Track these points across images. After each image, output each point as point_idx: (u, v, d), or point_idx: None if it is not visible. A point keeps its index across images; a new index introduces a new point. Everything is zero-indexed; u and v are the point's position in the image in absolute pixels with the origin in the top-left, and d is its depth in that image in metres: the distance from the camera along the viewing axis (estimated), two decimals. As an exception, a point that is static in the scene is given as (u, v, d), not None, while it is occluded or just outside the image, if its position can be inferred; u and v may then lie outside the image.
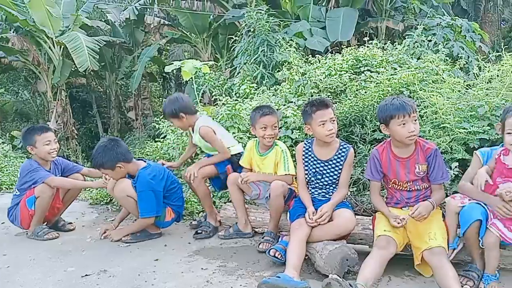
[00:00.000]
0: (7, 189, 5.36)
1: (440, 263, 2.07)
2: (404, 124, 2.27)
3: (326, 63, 5.32)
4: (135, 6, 11.33)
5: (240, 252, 2.75)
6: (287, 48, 6.31)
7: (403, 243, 2.29)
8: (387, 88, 4.11)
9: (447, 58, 5.41)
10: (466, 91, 3.82)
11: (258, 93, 5.44)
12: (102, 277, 2.47)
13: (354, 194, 3.55)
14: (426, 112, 3.62)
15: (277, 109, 4.42)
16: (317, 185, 2.68)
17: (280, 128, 4.08)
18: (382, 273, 2.15)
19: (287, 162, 2.85)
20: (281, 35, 7.51)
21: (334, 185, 2.66)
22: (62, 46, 10.19)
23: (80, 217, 3.89)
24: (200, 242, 2.99)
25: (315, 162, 2.66)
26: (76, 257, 2.82)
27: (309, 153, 2.70)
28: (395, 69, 4.64)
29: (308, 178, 2.71)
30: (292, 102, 4.65)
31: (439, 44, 5.71)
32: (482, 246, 2.11)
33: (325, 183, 2.66)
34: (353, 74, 4.90)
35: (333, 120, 2.57)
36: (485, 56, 6.55)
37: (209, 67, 7.21)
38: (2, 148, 7.78)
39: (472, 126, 3.18)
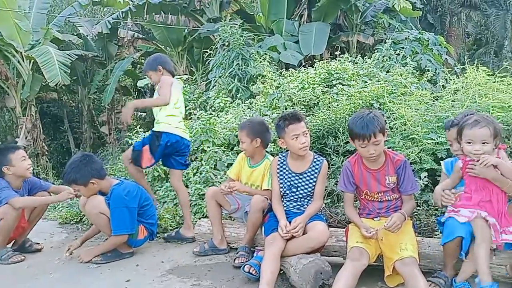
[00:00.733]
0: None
1: (412, 273, 2.10)
2: (364, 146, 2.33)
3: (300, 76, 5.42)
4: (108, 21, 11.21)
5: (214, 269, 2.70)
6: (261, 61, 6.39)
7: (375, 254, 2.32)
8: (358, 100, 4.22)
9: (415, 70, 5.62)
10: (433, 103, 3.96)
11: (233, 107, 5.46)
12: (71, 301, 2.37)
13: (329, 206, 3.58)
14: (396, 124, 3.72)
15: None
16: (292, 198, 2.69)
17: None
18: (355, 285, 2.16)
19: (271, 178, 2.84)
20: (256, 49, 7.61)
21: (309, 198, 2.68)
22: (32, 61, 9.91)
23: (49, 237, 3.74)
24: (173, 261, 2.92)
25: (290, 175, 2.68)
26: (43, 281, 2.70)
27: (284, 166, 2.72)
28: (366, 82, 4.77)
29: (283, 192, 2.72)
30: (266, 115, 4.69)
31: (407, 57, 5.93)
32: (463, 259, 2.16)
33: (300, 195, 2.67)
34: (326, 87, 5.00)
35: (306, 134, 2.59)
36: (450, 69, 6.83)
37: (184, 81, 7.20)
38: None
39: (439, 136, 3.29)
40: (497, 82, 3.95)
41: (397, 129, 3.69)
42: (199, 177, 4.06)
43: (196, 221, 3.38)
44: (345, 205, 2.58)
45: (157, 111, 3.36)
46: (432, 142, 3.29)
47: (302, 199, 2.68)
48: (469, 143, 2.08)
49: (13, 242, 3.27)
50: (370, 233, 2.28)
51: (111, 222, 2.90)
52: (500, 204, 2.10)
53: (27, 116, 10.45)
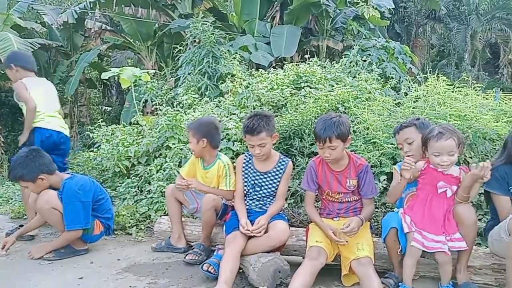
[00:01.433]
0: None
1: (367, 273, 2.16)
2: (321, 148, 2.38)
3: (269, 77, 5.44)
4: (75, 10, 10.79)
5: (173, 268, 2.65)
6: (231, 60, 6.36)
7: (333, 254, 2.36)
8: (325, 104, 4.29)
9: (380, 77, 5.79)
10: (395, 109, 4.09)
11: (201, 104, 5.40)
12: (17, 300, 2.25)
13: (292, 206, 3.61)
14: (359, 127, 3.82)
15: (219, 121, 4.43)
16: (255, 197, 2.70)
17: (222, 139, 4.08)
18: (312, 283, 2.19)
19: (229, 178, 2.82)
20: (227, 48, 7.58)
21: (271, 197, 2.70)
22: (-11, 47, 9.37)
23: (-2, 232, 3.53)
24: (130, 259, 2.84)
25: (254, 174, 2.69)
26: (-13, 279, 2.54)
27: (249, 165, 2.72)
28: (332, 86, 4.86)
29: (246, 190, 2.72)
30: (234, 114, 4.67)
31: (373, 64, 6.10)
32: (400, 253, 2.25)
33: (263, 195, 2.68)
34: (294, 89, 5.05)
35: (263, 145, 2.55)
36: (414, 77, 7.12)
37: (152, 76, 7.04)
38: None
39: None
40: (456, 92, 4.15)
41: (360, 132, 3.79)
42: (162, 174, 3.98)
43: (157, 219, 3.31)
44: (306, 204, 2.62)
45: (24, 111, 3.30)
46: (392, 147, 3.40)
47: (265, 198, 2.69)
48: (437, 155, 2.14)
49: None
50: (335, 234, 2.31)
51: (64, 217, 2.79)
52: (444, 209, 2.19)
53: (-18, 105, 9.86)
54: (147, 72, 5.03)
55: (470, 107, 3.78)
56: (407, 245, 2.19)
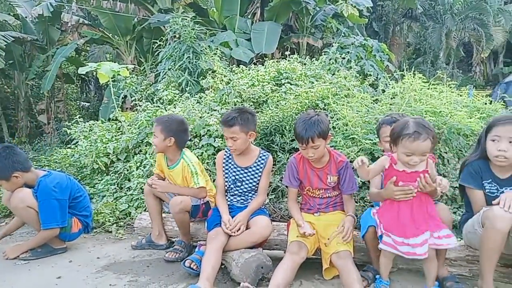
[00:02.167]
0: None
1: (346, 266, 2.21)
2: (303, 149, 2.41)
3: (250, 73, 5.44)
4: (50, 3, 10.44)
5: (153, 265, 2.64)
6: (212, 56, 6.33)
7: (314, 248, 2.40)
8: (305, 100, 4.34)
9: (359, 74, 5.89)
10: (373, 106, 4.17)
11: (181, 100, 5.35)
12: (-8, 301, 2.20)
13: (273, 201, 3.65)
14: (338, 124, 3.88)
15: (200, 117, 4.41)
16: (236, 192, 2.71)
17: (203, 136, 4.07)
18: (293, 278, 2.23)
19: (196, 176, 2.72)
20: (207, 44, 7.52)
21: (253, 192, 2.71)
22: (-41, 39, 8.98)
23: (-29, 233, 3.41)
24: (110, 257, 2.81)
25: (235, 170, 2.69)
26: (-40, 280, 2.46)
27: (230, 160, 2.72)
28: (313, 83, 4.92)
29: (227, 186, 2.72)
30: (215, 110, 4.66)
31: (352, 61, 6.20)
32: (379, 248, 2.27)
33: (244, 190, 2.69)
34: (275, 86, 5.08)
35: (235, 139, 2.56)
36: (391, 75, 7.26)
37: (131, 71, 6.93)
38: None
39: (377, 137, 3.47)
40: (431, 89, 4.27)
41: (339, 129, 3.85)
42: (142, 170, 3.94)
43: (137, 215, 3.28)
44: (288, 200, 2.64)
45: None
46: (370, 142, 3.47)
47: (246, 194, 2.70)
48: (409, 155, 2.01)
49: None
50: (304, 233, 2.33)
51: (39, 215, 2.72)
52: (424, 207, 2.10)
53: (-48, 100, 9.45)
54: (126, 67, 4.93)
55: (445, 103, 3.90)
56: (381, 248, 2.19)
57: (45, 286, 2.36)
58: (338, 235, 2.32)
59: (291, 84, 4.96)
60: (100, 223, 3.41)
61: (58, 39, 12.22)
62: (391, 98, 4.25)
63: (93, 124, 5.05)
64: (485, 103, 4.34)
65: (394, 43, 17.00)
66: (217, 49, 6.92)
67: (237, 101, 4.78)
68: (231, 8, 9.37)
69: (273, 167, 3.93)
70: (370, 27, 15.92)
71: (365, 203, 3.27)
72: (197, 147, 3.99)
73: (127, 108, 7.85)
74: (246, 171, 2.68)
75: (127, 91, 6.61)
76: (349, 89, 4.66)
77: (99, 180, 4.21)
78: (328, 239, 2.34)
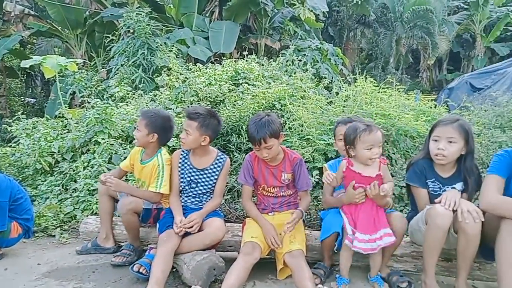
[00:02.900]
0: None
1: (298, 265, 2.22)
2: (257, 150, 2.42)
3: (207, 72, 5.38)
4: (-10, -11, 9.69)
5: (100, 271, 2.50)
6: (167, 53, 6.18)
7: (268, 248, 2.39)
8: (262, 100, 4.35)
9: (314, 77, 6.03)
10: (327, 108, 4.27)
11: (134, 97, 5.16)
12: None
13: (229, 201, 3.62)
14: (294, 124, 3.93)
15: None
16: (190, 193, 2.63)
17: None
18: (246, 278, 2.21)
19: (162, 180, 2.59)
20: (163, 40, 7.34)
21: (208, 194, 2.65)
22: None
23: None
24: (52, 263, 2.63)
25: (191, 171, 2.61)
26: None
27: (186, 161, 2.64)
28: (270, 83, 4.96)
29: (182, 187, 2.64)
30: (171, 109, 4.54)
31: (308, 64, 6.33)
32: (336, 251, 2.35)
33: (199, 191, 2.62)
34: (232, 85, 5.05)
35: (188, 133, 2.48)
36: (344, 78, 7.51)
37: (81, 66, 6.58)
38: None
39: (330, 138, 3.56)
40: (381, 92, 4.45)
41: (295, 129, 3.90)
42: (90, 171, 3.73)
43: (83, 219, 3.09)
44: (243, 199, 2.62)
45: None
46: (324, 143, 3.55)
47: (201, 195, 2.63)
48: (370, 148, 2.16)
49: None
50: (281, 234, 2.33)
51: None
52: (370, 207, 2.23)
53: None
54: (75, 62, 4.66)
55: (393, 106, 4.09)
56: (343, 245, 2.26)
57: (-24, 297, 2.16)
58: (285, 227, 2.33)
59: (248, 84, 4.96)
60: (43, 227, 3.18)
61: (0, 30, 11.36)
62: (344, 101, 4.39)
63: (36, 121, 4.72)
64: (430, 107, 4.60)
65: (348, 48, 17.60)
66: (173, 46, 6.77)
67: (193, 100, 4.69)
68: (189, 5, 9.22)
69: (230, 168, 3.93)
70: (326, 31, 16.37)
71: (319, 202, 3.32)
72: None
73: (75, 105, 7.45)
74: (202, 173, 2.61)
75: (76, 87, 6.28)
76: (305, 90, 4.74)
77: (42, 181, 3.94)
78: (280, 234, 2.35)
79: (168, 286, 2.23)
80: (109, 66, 7.54)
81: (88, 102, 4.44)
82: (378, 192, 2.15)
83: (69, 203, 3.48)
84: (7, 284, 2.31)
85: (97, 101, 4.35)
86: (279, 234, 2.36)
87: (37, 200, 3.62)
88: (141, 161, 2.73)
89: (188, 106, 4.33)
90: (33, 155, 3.96)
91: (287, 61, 6.04)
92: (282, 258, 2.31)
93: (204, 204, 2.61)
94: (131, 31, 6.99)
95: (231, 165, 3.87)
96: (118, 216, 3.02)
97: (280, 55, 6.65)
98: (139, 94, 5.14)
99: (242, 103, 4.37)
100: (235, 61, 5.74)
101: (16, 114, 4.86)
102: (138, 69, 6.51)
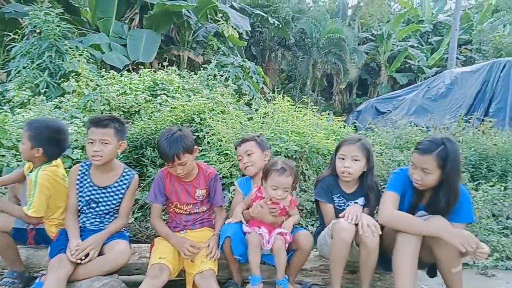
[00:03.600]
0: None
1: (209, 285, 2.12)
2: (171, 167, 2.32)
3: (122, 80, 5.09)
4: None
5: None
6: (77, 57, 5.71)
7: (178, 269, 2.26)
8: (181, 113, 4.24)
9: (236, 93, 6.09)
10: (247, 123, 4.31)
11: (36, 104, 4.64)
12: None
13: (139, 219, 3.39)
14: (213, 139, 3.88)
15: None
16: (89, 214, 2.36)
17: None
18: (152, 303, 2.04)
19: (31, 199, 2.21)
20: (75, 44, 6.80)
21: (111, 214, 2.40)
22: None
23: None
24: None
25: (90, 189, 2.35)
26: None
27: (85, 177, 2.36)
28: (190, 96, 4.86)
29: (80, 206, 2.36)
30: (77, 117, 4.17)
31: (229, 79, 6.38)
32: (240, 261, 2.33)
33: (101, 212, 2.36)
34: (150, 96, 4.85)
35: (106, 143, 2.26)
36: (264, 96, 7.73)
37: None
38: None
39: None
40: (297, 111, 4.64)
41: (213, 144, 3.85)
42: (-27, 185, 3.20)
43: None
44: (152, 217, 2.45)
45: None
46: (241, 159, 3.54)
47: (103, 216, 2.38)
48: (274, 189, 2.27)
49: None
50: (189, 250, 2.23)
51: None
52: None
53: None
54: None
55: (308, 125, 4.28)
56: (247, 236, 2.27)
57: None
58: (203, 253, 2.25)
59: (167, 96, 4.82)
60: None
61: None
62: (263, 117, 4.48)
63: None
64: (340, 127, 4.93)
65: (270, 68, 18.32)
66: (86, 50, 6.29)
67: (104, 109, 4.38)
68: (107, 9, 8.74)
69: (142, 183, 3.69)
70: (249, 50, 16.84)
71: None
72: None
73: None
74: (104, 191, 2.36)
75: (-36, 88, 5.46)
76: (225, 105, 4.74)
77: None
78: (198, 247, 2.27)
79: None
80: (8, 68, 6.73)
81: (-24, 107, 3.87)
82: (267, 210, 2.27)
83: None
84: None
85: (-12, 106, 3.80)
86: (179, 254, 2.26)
87: None
88: (29, 171, 2.38)
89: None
90: None
91: (208, 75, 6.02)
92: (192, 279, 2.18)
93: (106, 225, 2.35)
94: (38, 31, 6.35)
95: (144, 180, 3.66)
96: None
97: (202, 69, 6.61)
98: (41, 99, 4.64)
99: (160, 115, 4.20)
100: (154, 71, 5.54)
101: None
102: (44, 73, 5.90)
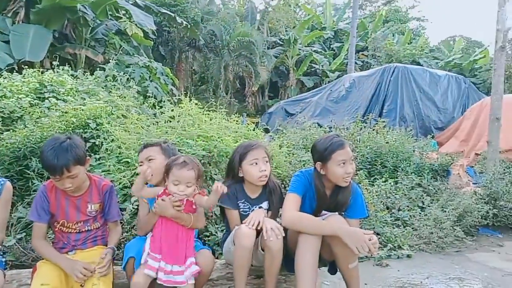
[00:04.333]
0: None
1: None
2: (58, 180, 2.05)
3: (1, 83, 4.43)
4: None
5: None
6: None
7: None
8: (73, 118, 3.84)
9: (140, 95, 5.72)
10: (150, 128, 4.06)
11: None
12: None
13: (23, 240, 2.96)
14: (112, 146, 3.57)
15: None
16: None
17: None
18: None
19: None
20: None
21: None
22: None
23: None
24: None
25: None
26: None
27: None
28: (84, 99, 4.42)
29: None
30: None
31: (132, 80, 5.99)
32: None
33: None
34: (36, 99, 4.31)
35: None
36: (173, 98, 7.45)
37: None
38: None
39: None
40: (205, 115, 4.52)
41: (112, 151, 3.55)
42: None
43: None
44: (34, 238, 2.15)
45: None
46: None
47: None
48: (176, 184, 2.09)
49: None
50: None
51: None
52: (184, 241, 2.13)
53: None
54: None
55: (216, 129, 4.19)
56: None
57: None
58: (97, 272, 2.01)
59: (57, 99, 4.32)
60: None
61: None
62: (169, 121, 4.26)
63: None
64: (249, 130, 4.94)
65: (181, 69, 17.85)
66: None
67: (-25, 115, 3.74)
68: (-17, 0, 7.58)
69: (26, 197, 3.26)
70: (157, 50, 16.20)
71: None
72: None
73: None
74: None
75: None
76: (126, 109, 4.40)
77: None
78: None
79: None
80: None
81: None
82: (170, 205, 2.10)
83: None
84: None
85: None
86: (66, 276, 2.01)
87: None
88: None
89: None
90: None
91: (107, 76, 5.55)
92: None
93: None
94: None
95: (29, 194, 3.25)
96: None
97: (100, 69, 6.08)
98: None
99: (47, 121, 3.74)
100: (41, 71, 4.93)
101: None
102: None
